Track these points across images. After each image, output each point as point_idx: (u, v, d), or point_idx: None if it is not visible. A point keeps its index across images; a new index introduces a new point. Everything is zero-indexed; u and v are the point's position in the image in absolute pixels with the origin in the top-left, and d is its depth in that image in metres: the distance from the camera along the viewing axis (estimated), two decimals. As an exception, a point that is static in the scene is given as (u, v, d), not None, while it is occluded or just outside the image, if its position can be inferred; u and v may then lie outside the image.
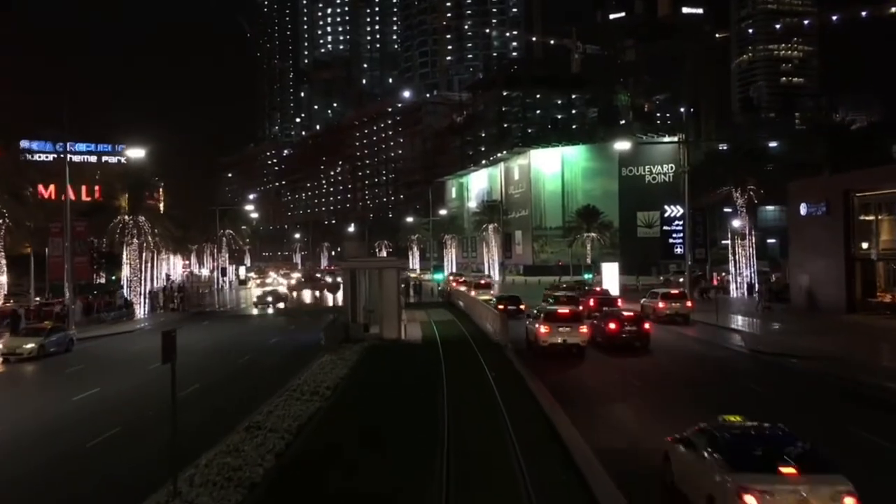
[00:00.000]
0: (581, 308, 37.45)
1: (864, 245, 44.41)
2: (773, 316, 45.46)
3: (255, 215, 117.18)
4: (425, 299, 67.98)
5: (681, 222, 54.90)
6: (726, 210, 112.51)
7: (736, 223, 63.67)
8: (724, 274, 65.13)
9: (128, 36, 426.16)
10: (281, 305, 62.22)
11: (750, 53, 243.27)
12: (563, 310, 32.68)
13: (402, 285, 70.91)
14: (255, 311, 62.84)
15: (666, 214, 57.08)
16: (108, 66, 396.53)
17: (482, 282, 61.10)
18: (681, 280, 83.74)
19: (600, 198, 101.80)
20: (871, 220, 43.97)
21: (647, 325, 32.88)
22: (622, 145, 78.26)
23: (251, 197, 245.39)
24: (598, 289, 54.73)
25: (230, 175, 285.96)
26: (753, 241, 60.34)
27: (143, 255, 57.21)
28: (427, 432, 17.68)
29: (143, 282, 57.43)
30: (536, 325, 30.84)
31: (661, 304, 42.68)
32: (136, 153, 46.33)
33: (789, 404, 21.71)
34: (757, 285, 61.24)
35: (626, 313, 33.88)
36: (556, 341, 30.04)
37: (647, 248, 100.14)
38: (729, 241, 61.25)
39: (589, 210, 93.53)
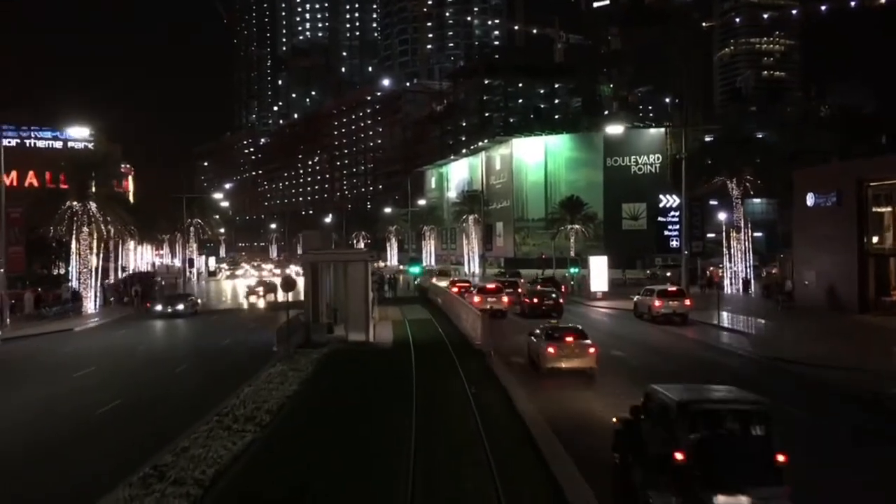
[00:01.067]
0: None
1: (877, 239, 40.77)
2: (792, 316, 41.43)
3: (225, 204, 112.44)
4: (401, 294, 63.86)
5: (677, 213, 50.94)
6: (712, 203, 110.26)
7: (722, 216, 60.17)
8: (718, 268, 61.44)
9: (100, 21, 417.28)
10: (272, 297, 57.12)
11: (732, 46, 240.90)
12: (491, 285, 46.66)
13: (375, 280, 67.24)
14: (244, 304, 59.18)
15: (661, 205, 53.20)
16: (79, 51, 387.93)
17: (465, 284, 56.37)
18: (668, 274, 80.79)
19: (585, 189, 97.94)
20: (886, 211, 40.30)
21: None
22: (614, 129, 74.62)
23: (227, 186, 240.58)
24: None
25: (206, 164, 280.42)
26: (749, 234, 56.59)
27: (95, 244, 52.52)
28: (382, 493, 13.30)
29: (93, 274, 52.80)
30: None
31: (657, 303, 38.73)
32: (79, 132, 41.58)
33: (844, 434, 17.63)
34: (753, 281, 57.80)
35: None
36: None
37: (632, 240, 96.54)
38: (724, 234, 57.28)
39: (573, 201, 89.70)
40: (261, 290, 61.64)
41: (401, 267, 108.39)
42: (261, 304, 58.20)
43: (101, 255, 55.08)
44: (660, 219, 48.86)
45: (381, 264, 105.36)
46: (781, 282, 51.69)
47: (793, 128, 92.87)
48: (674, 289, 40.70)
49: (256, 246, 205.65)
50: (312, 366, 24.65)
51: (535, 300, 43.34)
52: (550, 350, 24.43)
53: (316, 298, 30.77)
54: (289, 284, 28.91)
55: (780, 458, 10.49)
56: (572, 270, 63.99)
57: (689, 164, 53.71)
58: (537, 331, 25.88)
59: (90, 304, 51.90)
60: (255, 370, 24.48)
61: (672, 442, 10.64)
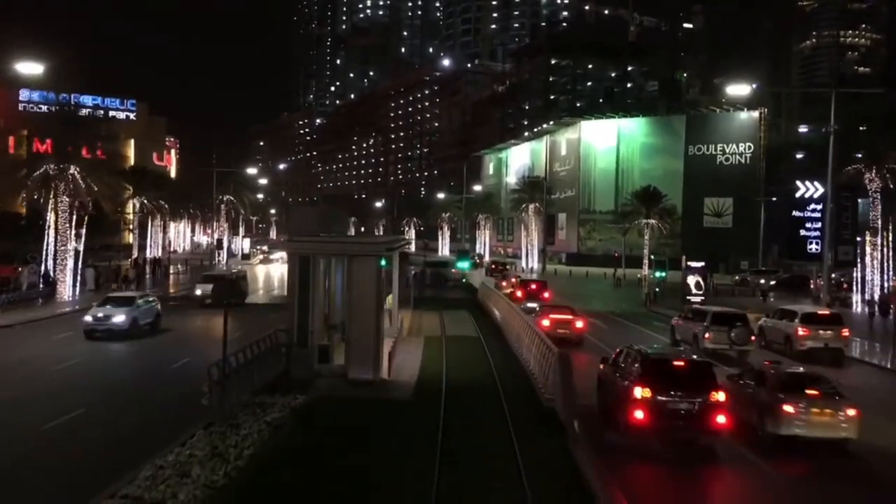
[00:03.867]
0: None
1: None
2: None
3: (263, 181, 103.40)
4: (447, 294, 53.05)
5: (818, 207, 38.94)
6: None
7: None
8: (841, 280, 49.37)
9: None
10: None
11: (814, 39, 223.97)
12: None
13: (415, 274, 56.59)
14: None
15: (798, 194, 40.89)
16: (136, 27, 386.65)
17: (533, 286, 43.33)
18: (761, 282, 68.67)
19: (661, 179, 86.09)
20: None
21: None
22: (738, 90, 61.95)
23: (281, 167, 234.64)
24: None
25: (261, 144, 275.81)
26: (890, 237, 44.42)
27: (75, 216, 43.31)
28: None
29: (74, 253, 43.68)
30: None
31: (801, 331, 27.26)
32: (31, 69, 31.70)
33: None
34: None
35: None
36: None
37: (713, 240, 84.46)
38: (867, 237, 44.78)
39: (650, 192, 78.09)
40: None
41: (437, 256, 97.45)
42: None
43: (85, 231, 45.72)
44: (795, 213, 36.87)
45: (437, 256, 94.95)
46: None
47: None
48: (825, 312, 29.07)
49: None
50: (259, 443, 14.22)
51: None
52: (788, 409, 15.00)
53: (304, 308, 20.51)
54: (224, 289, 18.66)
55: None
56: (658, 274, 52.42)
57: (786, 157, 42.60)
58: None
59: (66, 291, 42.70)
60: (172, 431, 14.47)
61: None
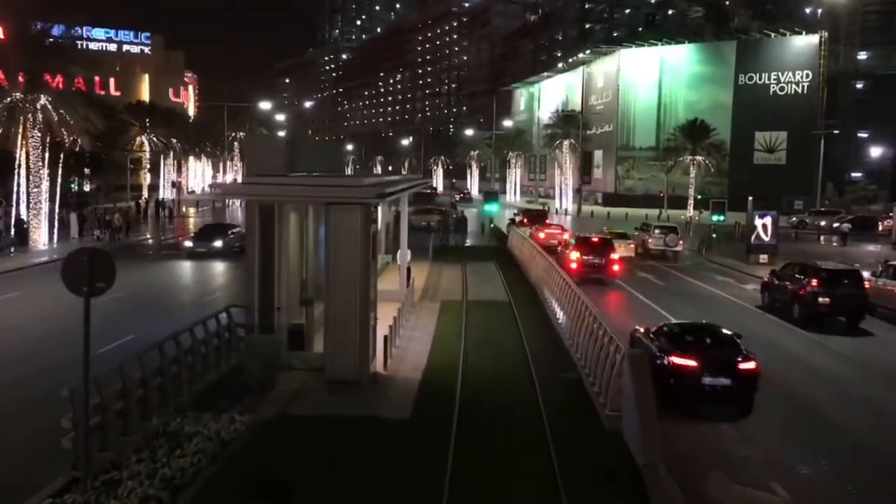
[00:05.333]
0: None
1: None
2: None
3: (280, 117, 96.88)
4: (473, 241, 47.37)
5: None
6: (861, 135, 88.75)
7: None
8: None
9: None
10: None
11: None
12: None
13: (433, 218, 50.87)
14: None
15: None
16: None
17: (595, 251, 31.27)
18: (822, 224, 62.10)
19: (708, 112, 79.09)
20: None
21: None
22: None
23: (307, 105, 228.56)
24: None
25: (287, 81, 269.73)
26: None
27: (48, 154, 38.17)
28: None
29: (48, 195, 38.72)
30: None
31: None
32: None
33: None
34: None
35: None
36: None
37: (764, 177, 77.58)
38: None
39: (697, 125, 71.40)
40: None
41: (456, 196, 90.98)
42: None
43: (60, 170, 40.62)
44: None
45: (463, 194, 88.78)
46: None
47: None
48: None
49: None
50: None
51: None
52: None
53: (267, 276, 15.10)
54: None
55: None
56: (716, 218, 46.12)
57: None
58: None
59: (42, 237, 37.85)
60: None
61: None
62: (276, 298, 15.10)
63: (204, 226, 42.58)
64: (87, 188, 78.25)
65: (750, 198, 38.70)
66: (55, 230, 39.33)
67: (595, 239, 31.76)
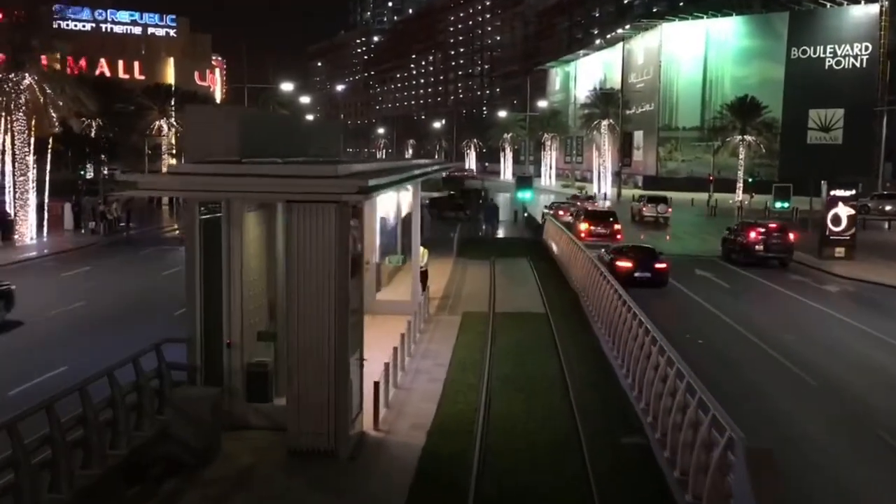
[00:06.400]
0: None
1: None
2: None
3: (305, 100, 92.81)
4: (505, 232, 43.03)
5: None
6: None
7: None
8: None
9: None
10: None
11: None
12: None
13: (463, 208, 46.66)
14: None
15: None
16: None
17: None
18: (887, 208, 56.77)
19: (757, 88, 73.65)
20: None
21: None
22: None
23: (339, 88, 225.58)
24: None
25: (319, 64, 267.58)
26: None
27: (33, 139, 34.78)
28: None
29: (36, 184, 35.36)
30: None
31: None
32: None
33: None
34: None
35: None
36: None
37: (818, 158, 71.90)
38: None
39: (747, 103, 66.18)
40: None
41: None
42: None
43: (50, 156, 37.13)
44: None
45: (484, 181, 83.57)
46: None
47: None
48: None
49: (364, 153, 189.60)
50: None
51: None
52: None
53: (214, 299, 11.34)
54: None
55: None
56: (779, 205, 41.28)
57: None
58: None
59: (28, 231, 34.50)
60: None
61: None
62: (225, 331, 11.08)
63: None
64: (105, 174, 75.68)
65: (824, 182, 33.89)
66: (45, 222, 35.96)
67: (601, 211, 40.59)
